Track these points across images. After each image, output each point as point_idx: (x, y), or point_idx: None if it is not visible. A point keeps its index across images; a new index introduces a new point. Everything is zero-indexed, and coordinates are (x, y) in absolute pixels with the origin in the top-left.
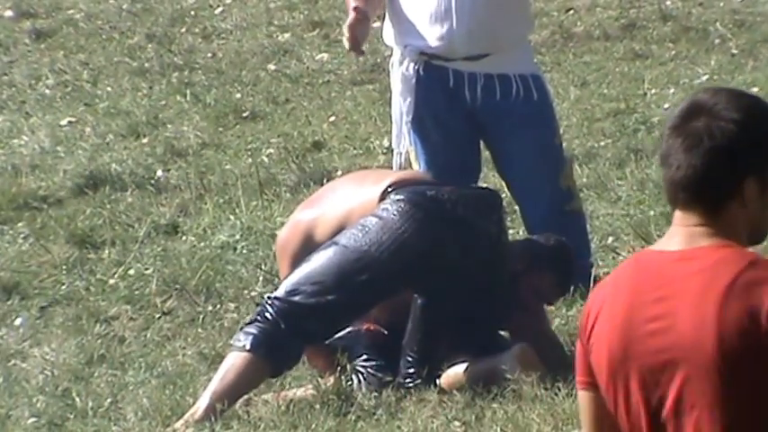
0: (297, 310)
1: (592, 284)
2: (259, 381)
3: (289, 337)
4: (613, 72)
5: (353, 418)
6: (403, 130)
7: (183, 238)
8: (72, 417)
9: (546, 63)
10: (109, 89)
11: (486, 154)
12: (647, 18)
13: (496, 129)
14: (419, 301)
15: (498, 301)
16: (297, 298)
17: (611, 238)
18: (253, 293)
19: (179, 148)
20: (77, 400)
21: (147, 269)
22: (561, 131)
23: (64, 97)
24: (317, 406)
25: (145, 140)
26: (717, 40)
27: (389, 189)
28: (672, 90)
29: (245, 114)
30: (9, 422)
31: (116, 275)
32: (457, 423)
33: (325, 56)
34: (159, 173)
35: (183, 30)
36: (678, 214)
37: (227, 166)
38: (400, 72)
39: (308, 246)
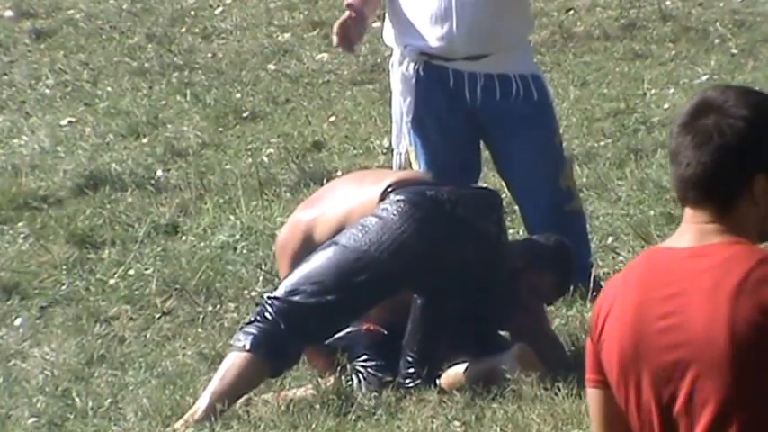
0: (297, 310)
1: (591, 284)
2: (259, 381)
3: (288, 336)
4: (613, 72)
5: (353, 418)
6: (403, 130)
7: (183, 238)
8: (72, 417)
9: (546, 63)
10: (109, 89)
11: (486, 154)
12: (647, 18)
13: (496, 129)
14: (419, 301)
15: (498, 301)
16: (297, 298)
17: (610, 238)
18: (253, 293)
19: (179, 148)
20: (77, 400)
21: (147, 269)
22: (561, 131)
23: (64, 97)
24: (317, 406)
25: (145, 140)
26: (717, 40)
27: (389, 189)
28: (672, 90)
29: (245, 114)
30: (9, 422)
31: (116, 275)
32: (457, 423)
33: (325, 56)
34: (159, 173)
35: (183, 30)
36: (688, 212)
37: (227, 166)
38: (400, 72)
39: (308, 246)
